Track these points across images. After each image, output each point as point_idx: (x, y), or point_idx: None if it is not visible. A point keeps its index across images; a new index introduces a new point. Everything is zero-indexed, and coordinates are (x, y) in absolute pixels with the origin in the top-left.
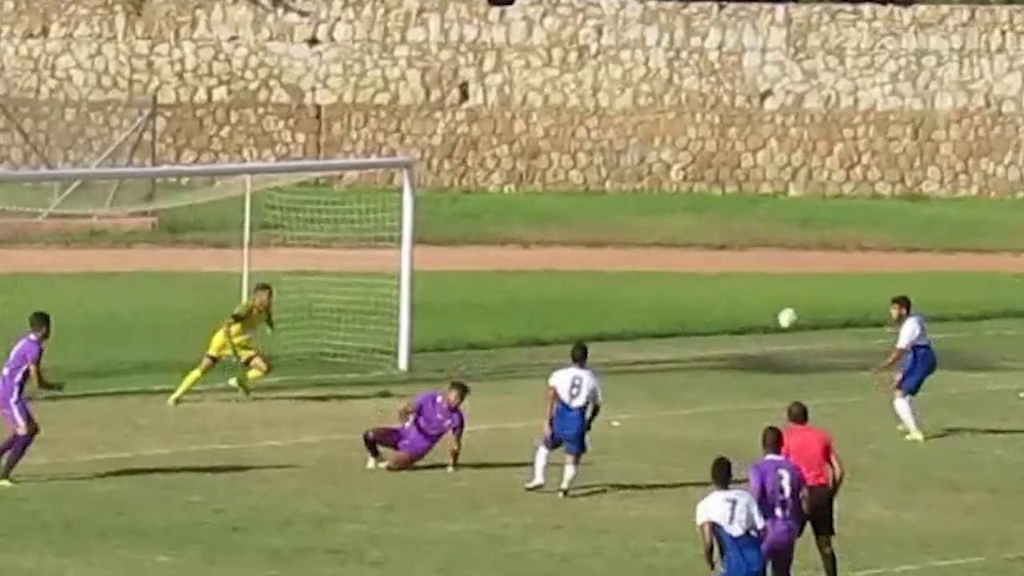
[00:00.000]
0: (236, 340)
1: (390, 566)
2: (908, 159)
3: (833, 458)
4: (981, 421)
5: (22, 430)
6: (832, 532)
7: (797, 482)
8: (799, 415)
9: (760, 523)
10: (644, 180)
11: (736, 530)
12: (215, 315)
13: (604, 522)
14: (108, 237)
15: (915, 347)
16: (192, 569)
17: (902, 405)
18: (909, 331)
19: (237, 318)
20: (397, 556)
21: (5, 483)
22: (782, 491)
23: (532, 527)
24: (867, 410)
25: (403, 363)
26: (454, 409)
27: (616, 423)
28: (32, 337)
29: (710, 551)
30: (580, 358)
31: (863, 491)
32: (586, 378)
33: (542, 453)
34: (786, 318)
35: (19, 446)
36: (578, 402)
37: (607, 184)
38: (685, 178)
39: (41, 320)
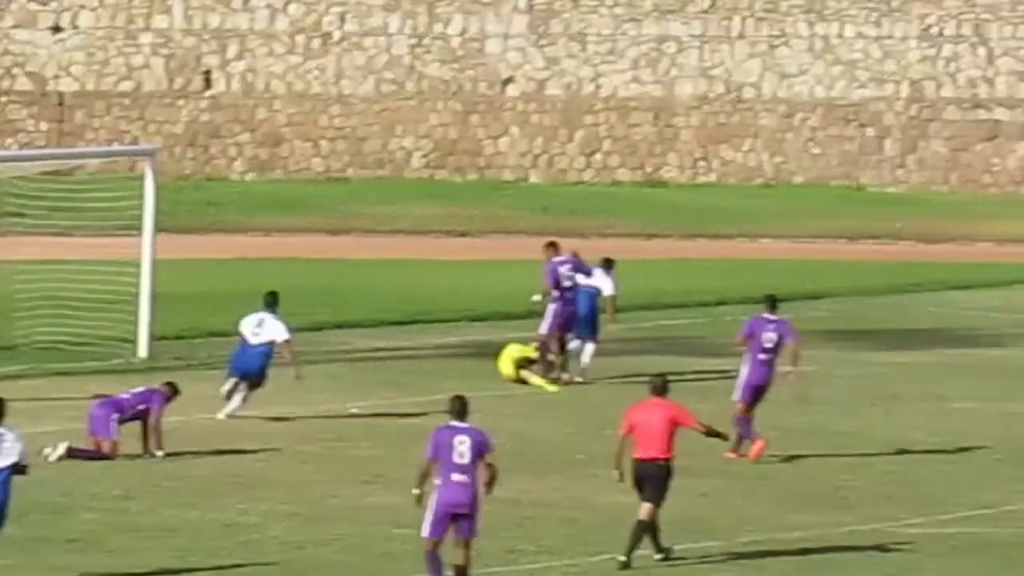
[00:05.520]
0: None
1: (127, 554)
2: (648, 146)
3: (692, 423)
4: (716, 407)
5: None
6: (658, 503)
7: (479, 448)
8: (658, 388)
9: (9, 461)
10: (386, 167)
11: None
12: None
13: (341, 509)
14: None
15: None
16: None
17: None
18: None
19: None
20: (134, 544)
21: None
22: (461, 456)
23: (269, 515)
24: (605, 394)
25: (143, 351)
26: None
27: (355, 409)
28: None
29: None
30: (271, 304)
31: (600, 477)
32: (269, 320)
33: (229, 382)
34: None
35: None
36: (259, 340)
37: (349, 171)
38: (427, 165)
39: None
